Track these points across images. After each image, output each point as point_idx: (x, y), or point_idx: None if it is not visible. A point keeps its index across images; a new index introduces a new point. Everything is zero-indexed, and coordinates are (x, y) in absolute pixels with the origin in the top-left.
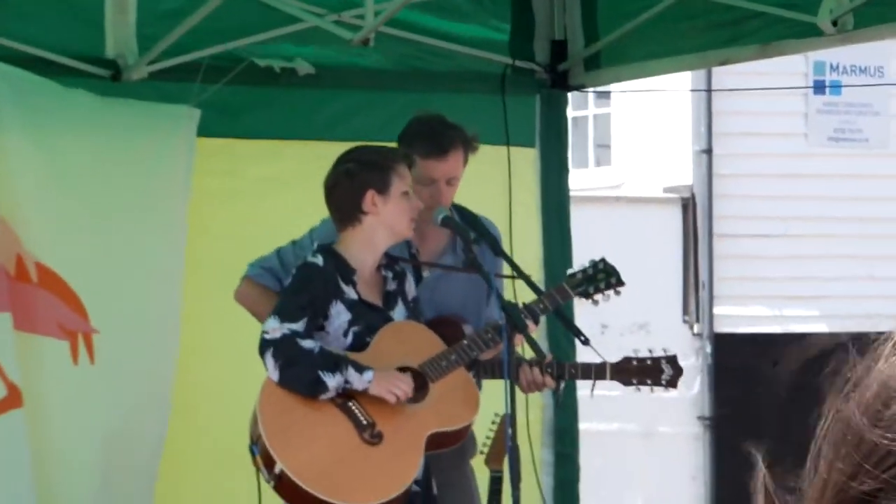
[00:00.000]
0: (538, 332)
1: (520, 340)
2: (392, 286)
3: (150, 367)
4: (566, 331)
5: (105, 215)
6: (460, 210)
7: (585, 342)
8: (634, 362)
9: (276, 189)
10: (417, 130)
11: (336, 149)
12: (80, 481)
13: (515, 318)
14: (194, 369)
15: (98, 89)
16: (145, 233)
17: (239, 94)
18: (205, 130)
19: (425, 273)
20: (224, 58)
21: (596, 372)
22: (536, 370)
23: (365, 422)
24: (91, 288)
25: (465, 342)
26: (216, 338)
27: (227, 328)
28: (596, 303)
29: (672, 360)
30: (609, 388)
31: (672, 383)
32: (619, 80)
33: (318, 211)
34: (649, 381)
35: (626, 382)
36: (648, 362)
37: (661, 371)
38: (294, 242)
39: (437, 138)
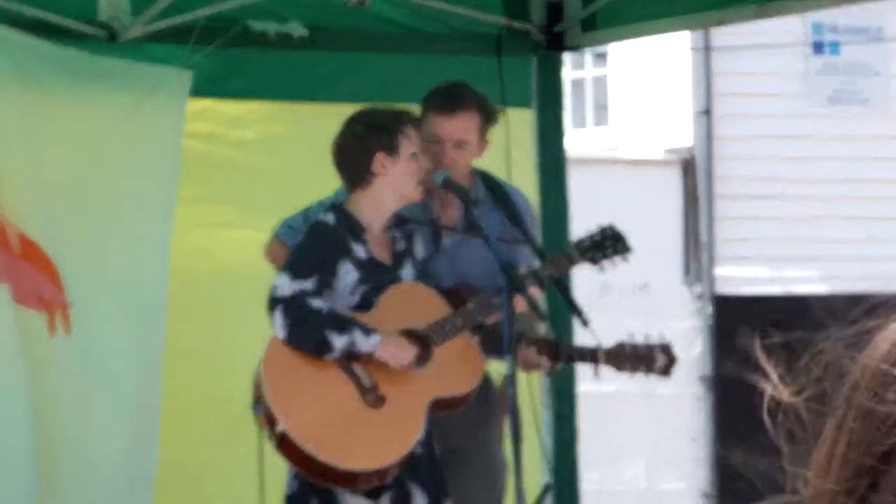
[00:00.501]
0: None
1: (523, 305)
2: (401, 246)
3: (133, 336)
4: (565, 307)
5: (91, 181)
6: (486, 177)
7: (585, 324)
8: (628, 348)
9: (261, 151)
10: (437, 89)
11: (327, 110)
12: (65, 451)
13: (515, 279)
14: (187, 333)
15: (93, 51)
16: (133, 198)
17: (228, 56)
18: (190, 91)
19: (445, 240)
20: (218, 19)
21: (590, 356)
22: (533, 350)
23: (368, 384)
24: (71, 258)
25: (469, 306)
26: (204, 298)
27: (213, 288)
28: (602, 269)
29: (666, 349)
30: None
31: (665, 372)
32: (615, 40)
33: (308, 171)
34: (642, 368)
35: (620, 368)
36: (642, 349)
37: (655, 359)
38: (321, 203)
39: (450, 95)
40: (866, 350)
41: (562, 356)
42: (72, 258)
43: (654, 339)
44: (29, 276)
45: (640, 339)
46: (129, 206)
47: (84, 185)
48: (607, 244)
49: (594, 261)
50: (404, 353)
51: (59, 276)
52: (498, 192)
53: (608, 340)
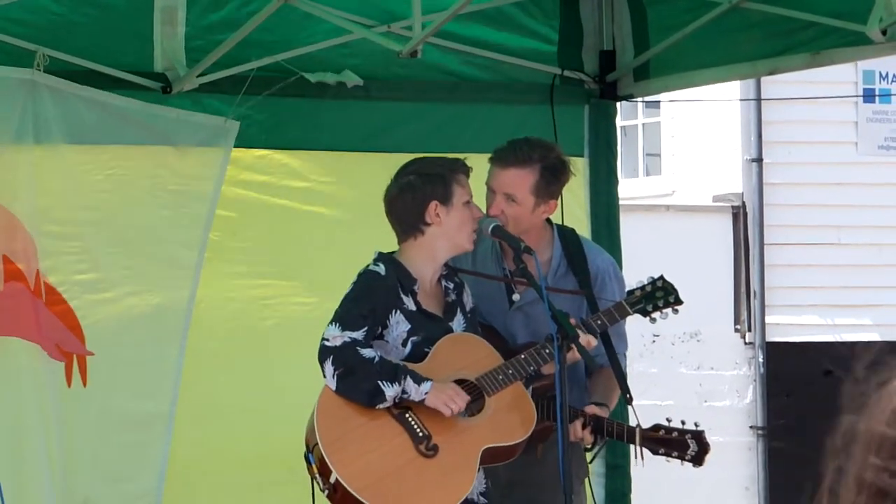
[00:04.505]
0: None
1: (575, 354)
2: (452, 297)
3: (148, 387)
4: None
5: (122, 228)
6: (567, 233)
7: (629, 401)
8: (662, 432)
9: (316, 200)
10: (508, 142)
11: (381, 160)
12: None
13: (565, 327)
14: (242, 385)
15: (148, 102)
16: (160, 247)
17: (282, 106)
18: (244, 141)
19: (515, 297)
20: (273, 70)
21: (629, 436)
22: (578, 424)
23: (421, 434)
24: (94, 307)
25: (522, 356)
26: (259, 348)
27: (268, 338)
28: (653, 321)
29: (698, 437)
30: (661, 398)
31: (697, 461)
32: (667, 89)
33: (361, 221)
34: (675, 455)
35: (654, 451)
36: (675, 434)
37: (687, 446)
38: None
39: (509, 149)
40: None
41: (604, 433)
42: (93, 308)
43: (690, 425)
44: (52, 325)
45: (677, 423)
46: (156, 255)
47: (114, 232)
48: (658, 296)
49: (645, 313)
50: (456, 399)
51: (80, 327)
52: (574, 253)
53: (659, 390)
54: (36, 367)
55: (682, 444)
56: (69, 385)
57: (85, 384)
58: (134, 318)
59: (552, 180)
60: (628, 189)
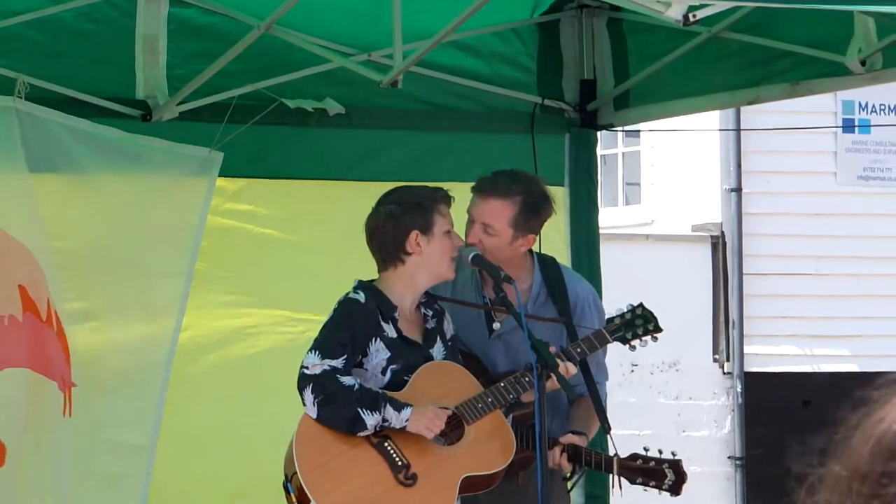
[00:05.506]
0: None
1: (553, 383)
2: (431, 324)
3: (130, 417)
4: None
5: (111, 261)
6: (547, 262)
7: (607, 430)
8: (640, 461)
9: (298, 229)
10: (493, 172)
11: (363, 188)
12: None
13: (545, 357)
14: (224, 413)
15: (128, 130)
16: (148, 279)
17: (263, 134)
18: (227, 170)
19: (496, 325)
20: (253, 98)
21: (607, 465)
22: (557, 450)
23: (400, 462)
24: (79, 336)
25: (501, 384)
26: (242, 376)
27: (251, 366)
28: (633, 348)
29: (676, 466)
30: (640, 428)
31: (674, 490)
32: (648, 118)
33: (343, 249)
34: (652, 484)
35: (632, 481)
36: (652, 464)
37: (665, 475)
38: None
39: (491, 179)
40: (868, 423)
41: (582, 461)
42: (81, 336)
43: (667, 454)
44: (58, 354)
45: (654, 452)
46: (141, 286)
47: (100, 261)
48: (637, 324)
49: (624, 340)
50: (437, 421)
51: (70, 357)
52: (553, 281)
53: (638, 420)
54: (42, 399)
55: (660, 474)
56: (64, 415)
57: (70, 415)
58: (118, 349)
59: (532, 215)
60: (608, 218)
